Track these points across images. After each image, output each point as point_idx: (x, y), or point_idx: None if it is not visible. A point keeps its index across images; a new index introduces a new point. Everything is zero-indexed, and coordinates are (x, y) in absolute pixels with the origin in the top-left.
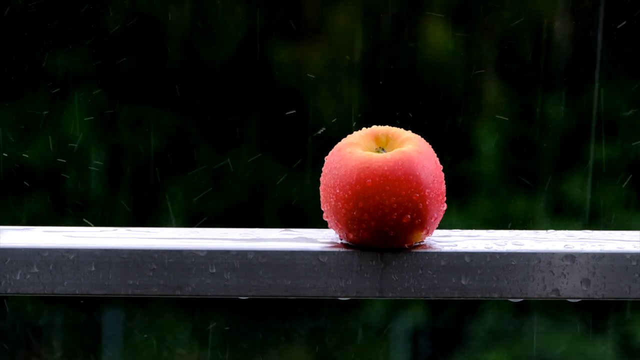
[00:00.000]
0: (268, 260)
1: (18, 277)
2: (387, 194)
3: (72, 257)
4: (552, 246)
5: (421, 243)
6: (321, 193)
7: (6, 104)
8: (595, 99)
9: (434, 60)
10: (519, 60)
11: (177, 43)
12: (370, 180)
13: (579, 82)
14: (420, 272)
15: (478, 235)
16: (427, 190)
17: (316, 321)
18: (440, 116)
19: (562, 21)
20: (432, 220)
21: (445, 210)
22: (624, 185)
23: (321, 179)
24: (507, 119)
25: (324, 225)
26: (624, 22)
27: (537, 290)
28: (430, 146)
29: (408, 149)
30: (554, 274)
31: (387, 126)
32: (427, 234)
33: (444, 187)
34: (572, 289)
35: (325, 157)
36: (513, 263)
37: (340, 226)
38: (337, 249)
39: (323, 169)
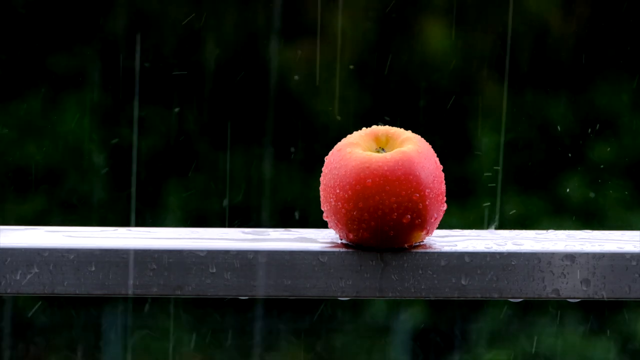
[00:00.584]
0: (268, 260)
1: (18, 277)
2: (387, 194)
3: (72, 257)
4: (552, 246)
5: (421, 243)
6: (321, 193)
7: (6, 104)
8: (595, 99)
9: (434, 60)
10: (519, 60)
11: (177, 43)
12: (370, 180)
13: (579, 82)
14: (420, 272)
15: (478, 235)
16: (427, 190)
17: (316, 321)
18: (440, 116)
19: (562, 21)
20: (432, 220)
21: (445, 210)
22: (624, 185)
23: (321, 179)
24: (507, 118)
25: (324, 225)
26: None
27: (537, 290)
28: (430, 146)
29: (408, 149)
30: (554, 274)
31: (387, 126)
32: (427, 234)
33: (444, 187)
34: (572, 289)
35: (325, 157)
36: (513, 263)
37: (340, 226)
38: (337, 249)
39: (323, 169)
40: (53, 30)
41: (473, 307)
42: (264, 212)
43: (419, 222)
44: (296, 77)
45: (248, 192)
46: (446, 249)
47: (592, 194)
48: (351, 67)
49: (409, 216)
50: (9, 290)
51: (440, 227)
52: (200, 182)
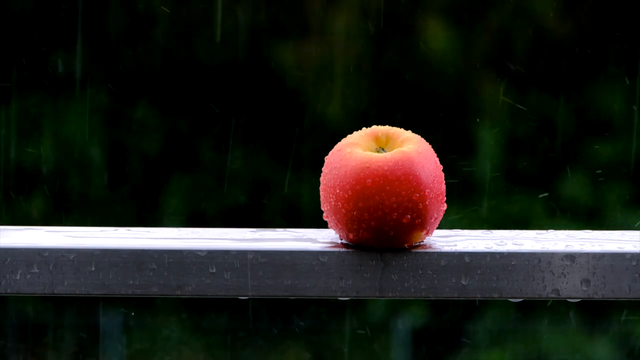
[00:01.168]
0: (268, 260)
1: (18, 277)
2: (387, 194)
3: (72, 257)
4: (552, 246)
5: (421, 243)
6: (321, 193)
7: (7, 104)
8: (595, 99)
9: (434, 60)
10: (519, 60)
11: (178, 43)
12: (370, 180)
13: (579, 82)
14: (420, 272)
15: (478, 235)
16: (427, 190)
17: (316, 321)
18: (440, 116)
19: (562, 21)
20: (432, 220)
21: (445, 210)
22: (624, 185)
23: (321, 179)
24: (507, 118)
25: (324, 225)
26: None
27: (537, 290)
28: (430, 146)
29: (408, 149)
30: (554, 274)
31: (387, 126)
32: (427, 234)
33: (444, 187)
34: (572, 289)
35: (325, 157)
36: (513, 263)
37: (340, 226)
38: (337, 249)
39: (323, 169)
40: (53, 30)
41: (473, 307)
42: (264, 212)
43: (419, 222)
44: (296, 77)
45: (248, 192)
46: (446, 249)
47: (592, 194)
48: (351, 66)
49: (409, 216)
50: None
51: (440, 227)
52: (200, 182)
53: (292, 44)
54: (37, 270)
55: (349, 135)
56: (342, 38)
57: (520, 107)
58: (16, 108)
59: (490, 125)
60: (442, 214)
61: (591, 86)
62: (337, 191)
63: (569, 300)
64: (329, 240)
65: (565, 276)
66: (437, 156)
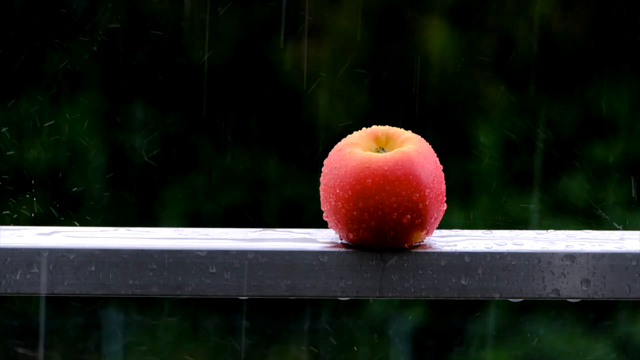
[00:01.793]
0: (268, 260)
1: (18, 277)
2: (387, 194)
3: (72, 257)
4: (552, 246)
5: (421, 243)
6: (321, 193)
7: (6, 104)
8: (595, 99)
9: (434, 60)
10: (519, 60)
11: (177, 42)
12: (370, 180)
13: (579, 82)
14: (420, 272)
15: (478, 235)
16: (427, 190)
17: (316, 321)
18: (440, 116)
19: (563, 21)
20: (432, 220)
21: (445, 210)
22: (624, 185)
23: (321, 179)
24: (507, 118)
25: (324, 225)
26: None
27: (537, 290)
28: (430, 146)
29: (408, 149)
30: (554, 274)
31: (387, 126)
32: (427, 234)
33: (444, 187)
34: (572, 289)
35: (325, 157)
36: (513, 263)
37: (340, 226)
38: (337, 249)
39: (323, 169)
40: (52, 30)
41: (473, 307)
42: (263, 212)
43: (419, 222)
44: (296, 77)
45: (248, 192)
46: (446, 249)
47: (592, 194)
48: (351, 66)
49: (409, 216)
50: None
51: (440, 227)
52: (200, 182)
53: (291, 43)
54: (37, 270)
55: (349, 135)
56: (341, 38)
57: (521, 107)
58: (16, 108)
59: (490, 125)
60: (442, 214)
61: (592, 86)
62: (337, 191)
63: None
64: (329, 240)
65: (565, 276)
66: (437, 156)
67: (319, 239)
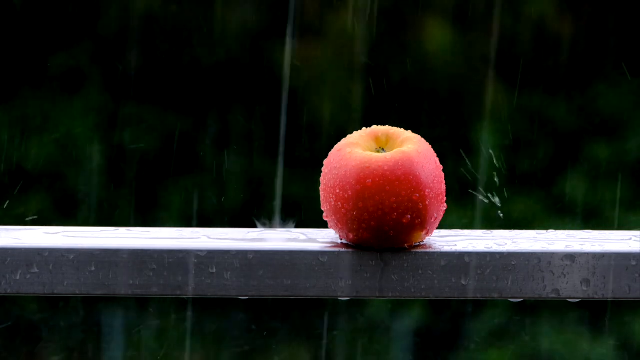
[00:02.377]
0: (268, 260)
1: (18, 277)
2: (387, 194)
3: (72, 257)
4: (552, 246)
5: (421, 243)
6: (321, 193)
7: (6, 104)
8: (595, 99)
9: (434, 60)
10: (519, 60)
11: (177, 42)
12: (370, 180)
13: (579, 82)
14: (420, 272)
15: (478, 235)
16: (427, 190)
17: (316, 321)
18: (441, 116)
19: (563, 21)
20: (432, 220)
21: (445, 210)
22: (624, 185)
23: (321, 179)
24: (507, 118)
25: (324, 225)
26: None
27: (537, 290)
28: (430, 146)
29: (408, 149)
30: (554, 274)
31: (387, 126)
32: (427, 234)
33: (444, 187)
34: (572, 289)
35: (325, 157)
36: (513, 263)
37: (340, 226)
38: (337, 249)
39: (323, 169)
40: (53, 30)
41: (473, 307)
42: (263, 212)
43: (419, 222)
44: (296, 77)
45: (248, 192)
46: (446, 249)
47: (592, 194)
48: (351, 66)
49: (409, 216)
50: (9, 290)
51: (440, 227)
52: (200, 182)
53: (291, 43)
54: (37, 270)
55: (349, 135)
56: (341, 38)
57: (521, 106)
58: (16, 108)
59: (491, 125)
60: (442, 214)
61: (592, 86)
62: (337, 191)
63: (569, 300)
64: (329, 240)
65: (565, 276)
66: (437, 156)
67: (319, 239)
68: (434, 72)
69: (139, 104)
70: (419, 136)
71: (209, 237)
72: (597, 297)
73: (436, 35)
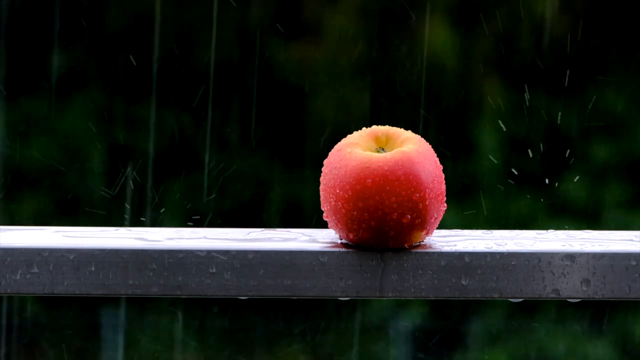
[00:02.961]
0: (268, 260)
1: (18, 277)
2: (387, 194)
3: (72, 257)
4: (552, 246)
5: (421, 243)
6: (321, 193)
7: (7, 104)
8: (595, 99)
9: (434, 60)
10: (519, 60)
11: (177, 42)
12: (370, 180)
13: (580, 82)
14: (420, 272)
15: (478, 235)
16: (427, 190)
17: (316, 321)
18: (441, 116)
19: (563, 20)
20: (432, 220)
21: (445, 210)
22: (624, 185)
23: (321, 179)
24: (507, 118)
25: (324, 225)
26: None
27: (537, 290)
28: (430, 146)
29: (408, 149)
30: (554, 274)
31: (387, 126)
32: (427, 234)
33: (444, 187)
34: (572, 289)
35: (325, 157)
36: (513, 263)
37: (340, 226)
38: (337, 249)
39: (323, 169)
40: (53, 30)
41: (473, 307)
42: (263, 212)
43: (419, 222)
44: (296, 77)
45: (248, 192)
46: (446, 249)
47: (592, 194)
48: (351, 66)
49: (409, 216)
50: (9, 290)
51: (440, 227)
52: (200, 182)
53: (291, 43)
54: (37, 270)
55: (349, 135)
56: (341, 38)
57: (521, 106)
58: (16, 108)
59: (491, 125)
60: (442, 214)
61: (592, 86)
62: (337, 191)
63: (569, 300)
64: (329, 240)
65: (565, 276)
66: (437, 156)
67: (319, 239)
68: (435, 71)
69: (139, 104)
70: (419, 136)
71: (209, 237)
72: (597, 297)
73: (437, 35)
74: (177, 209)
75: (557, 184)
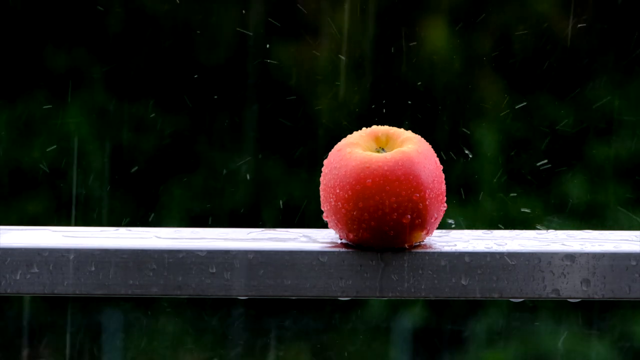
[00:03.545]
0: (268, 260)
1: (18, 277)
2: (387, 194)
3: (72, 257)
4: (552, 246)
5: (421, 243)
6: (321, 193)
7: (6, 103)
8: (595, 99)
9: (434, 60)
10: (519, 60)
11: (177, 43)
12: (370, 180)
13: (580, 82)
14: (420, 272)
15: (478, 235)
16: (427, 191)
17: (316, 321)
18: (440, 116)
19: (563, 20)
20: (432, 220)
21: (446, 210)
22: (624, 185)
23: (321, 179)
24: (507, 118)
25: (324, 225)
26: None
27: (537, 290)
28: (430, 146)
29: (408, 149)
30: (554, 274)
31: (387, 126)
32: (427, 234)
33: (444, 187)
34: (572, 289)
35: (325, 158)
36: (513, 263)
37: (340, 226)
38: (337, 249)
39: (323, 169)
40: (53, 30)
41: (473, 307)
42: (263, 212)
43: (419, 222)
44: (296, 77)
45: (248, 192)
46: (446, 249)
47: (592, 194)
48: (351, 66)
49: (409, 216)
50: (9, 290)
51: (440, 227)
52: (200, 182)
53: (291, 43)
54: (37, 270)
55: (349, 135)
56: (341, 38)
57: (521, 106)
58: (16, 108)
59: (491, 125)
60: (442, 214)
61: (592, 86)
62: (337, 191)
63: (569, 300)
64: (329, 240)
65: (565, 276)
66: (437, 156)
67: (319, 239)
68: (434, 71)
69: (139, 104)
70: (419, 136)
71: (209, 237)
72: (597, 297)
73: (436, 35)
74: (177, 209)
75: (557, 184)
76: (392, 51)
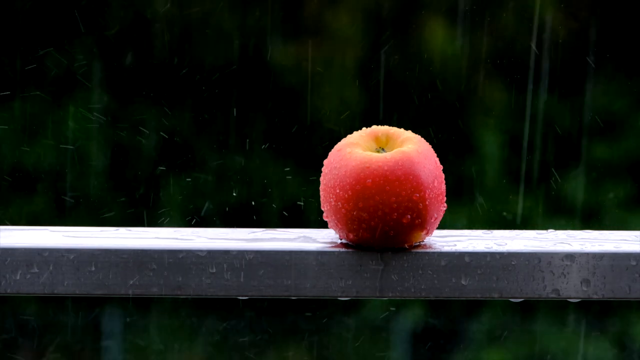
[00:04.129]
0: (268, 260)
1: (18, 277)
2: (387, 194)
3: (72, 257)
4: (552, 246)
5: (421, 243)
6: (321, 193)
7: (6, 104)
8: (595, 99)
9: (434, 60)
10: (518, 60)
11: (177, 43)
12: (370, 180)
13: (579, 81)
14: (420, 272)
15: (478, 235)
16: (427, 191)
17: (316, 321)
18: (440, 116)
19: (562, 20)
20: (432, 220)
21: (446, 210)
22: (624, 185)
23: (321, 179)
24: (507, 118)
25: (324, 225)
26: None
27: (537, 290)
28: (430, 146)
29: (408, 149)
30: (554, 274)
31: (387, 126)
32: (427, 234)
33: (444, 187)
34: (572, 289)
35: (325, 158)
36: (513, 263)
37: (340, 226)
38: (337, 249)
39: (323, 169)
40: (53, 29)
41: (473, 307)
42: (263, 212)
43: (419, 222)
44: (296, 77)
45: (248, 191)
46: (446, 249)
47: (591, 194)
48: (351, 66)
49: (409, 216)
50: (9, 290)
51: (440, 227)
52: (200, 182)
53: (291, 44)
54: (37, 270)
55: (349, 135)
56: (341, 38)
57: (521, 106)
58: (16, 108)
59: (491, 125)
60: (442, 214)
61: (592, 86)
62: (337, 191)
63: (569, 300)
64: (329, 240)
65: (565, 276)
66: (437, 156)
67: (319, 239)
68: (435, 71)
69: (139, 104)
70: (419, 136)
71: (209, 237)
72: (597, 297)
73: (437, 35)
74: (177, 209)
75: (556, 184)
76: (393, 51)
